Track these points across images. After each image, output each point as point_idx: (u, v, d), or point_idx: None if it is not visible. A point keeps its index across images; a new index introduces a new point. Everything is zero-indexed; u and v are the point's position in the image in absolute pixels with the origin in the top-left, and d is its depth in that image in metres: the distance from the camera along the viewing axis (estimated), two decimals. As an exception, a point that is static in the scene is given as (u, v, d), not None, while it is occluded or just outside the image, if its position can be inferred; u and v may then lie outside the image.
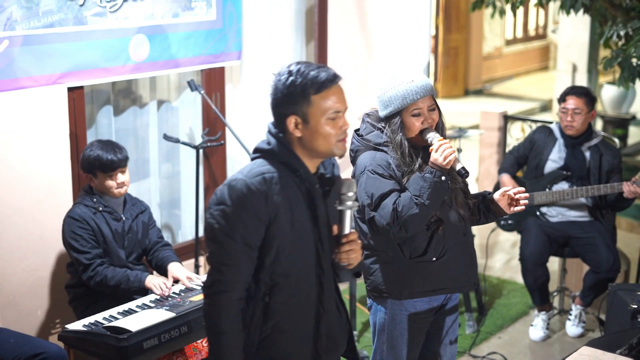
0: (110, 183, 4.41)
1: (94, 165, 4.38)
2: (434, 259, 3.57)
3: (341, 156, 2.89)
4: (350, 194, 2.84)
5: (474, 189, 8.09)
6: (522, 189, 3.63)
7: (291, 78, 2.78)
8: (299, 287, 2.86)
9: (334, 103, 2.80)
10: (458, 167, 3.44)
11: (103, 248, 4.43)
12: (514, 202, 3.62)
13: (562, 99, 5.56)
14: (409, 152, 3.50)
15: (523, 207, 3.60)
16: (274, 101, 2.84)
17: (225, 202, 2.76)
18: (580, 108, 5.45)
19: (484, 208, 3.70)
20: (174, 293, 4.35)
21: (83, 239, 4.35)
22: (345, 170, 6.66)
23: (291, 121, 2.81)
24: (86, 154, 4.41)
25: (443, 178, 3.39)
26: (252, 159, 2.90)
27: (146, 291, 4.39)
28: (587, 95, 5.50)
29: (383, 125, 3.58)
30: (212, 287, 2.79)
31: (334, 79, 2.81)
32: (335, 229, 2.90)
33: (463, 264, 3.65)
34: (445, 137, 3.55)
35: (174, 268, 4.51)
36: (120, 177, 4.43)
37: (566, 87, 5.77)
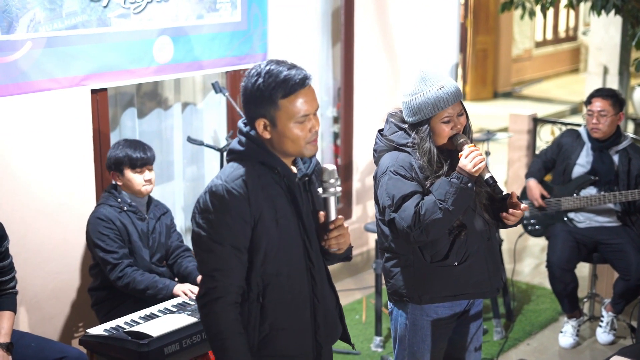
0: (138, 179, 4.42)
1: (122, 162, 4.39)
2: (456, 263, 3.49)
3: (312, 157, 2.91)
4: (332, 180, 2.85)
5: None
6: (524, 206, 3.51)
7: (259, 80, 2.75)
8: (291, 283, 2.88)
9: (302, 106, 2.77)
10: (486, 176, 3.35)
11: (128, 248, 4.41)
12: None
13: (588, 101, 5.47)
14: (437, 158, 3.43)
15: (513, 220, 3.49)
16: (243, 102, 2.83)
17: (208, 210, 2.77)
18: (607, 110, 5.34)
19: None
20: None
21: (109, 238, 4.33)
22: (370, 172, 6.62)
23: (260, 124, 2.81)
24: (113, 152, 4.43)
25: (469, 184, 3.32)
26: (228, 161, 2.91)
27: (170, 299, 4.34)
28: (614, 97, 5.39)
29: (409, 128, 3.50)
30: (207, 296, 2.80)
31: (303, 82, 2.76)
32: (321, 216, 2.91)
33: (486, 270, 3.56)
34: (472, 140, 3.47)
35: None
36: (148, 174, 4.46)
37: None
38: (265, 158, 2.83)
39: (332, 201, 2.87)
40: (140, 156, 4.40)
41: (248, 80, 2.78)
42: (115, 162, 4.42)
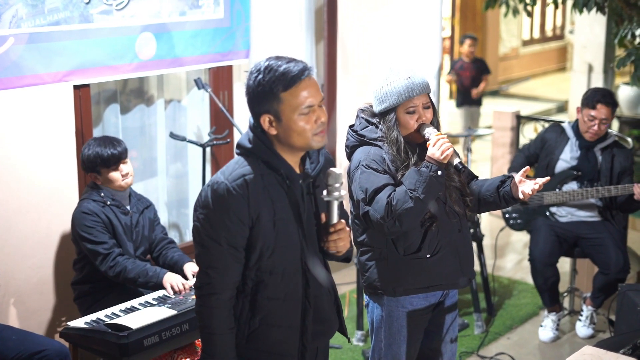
0: (115, 176, 4.44)
1: (95, 163, 4.41)
2: (428, 255, 3.54)
3: (320, 149, 2.92)
4: (337, 184, 2.84)
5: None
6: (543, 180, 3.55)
7: (259, 77, 2.78)
8: (284, 282, 2.91)
9: (305, 98, 2.78)
10: (455, 161, 3.41)
11: None
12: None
13: (591, 105, 5.33)
14: (404, 148, 3.48)
15: (529, 192, 3.51)
16: (247, 100, 2.86)
17: (208, 206, 2.81)
18: (608, 118, 5.33)
19: (504, 194, 3.60)
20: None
21: (97, 230, 4.36)
22: (342, 167, 6.65)
23: (265, 120, 2.82)
24: (85, 154, 4.44)
25: (439, 172, 3.36)
26: (237, 154, 2.93)
27: (159, 287, 4.38)
28: (615, 105, 5.36)
29: (378, 120, 3.56)
30: (202, 289, 2.86)
31: (302, 73, 2.78)
32: (323, 217, 2.92)
33: (458, 261, 3.62)
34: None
35: (191, 267, 4.53)
36: (124, 169, 4.46)
37: (589, 89, 5.50)
38: (270, 159, 2.84)
39: (335, 205, 2.87)
40: (110, 153, 4.39)
41: (249, 78, 2.81)
42: (89, 163, 4.43)
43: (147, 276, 4.34)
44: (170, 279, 4.37)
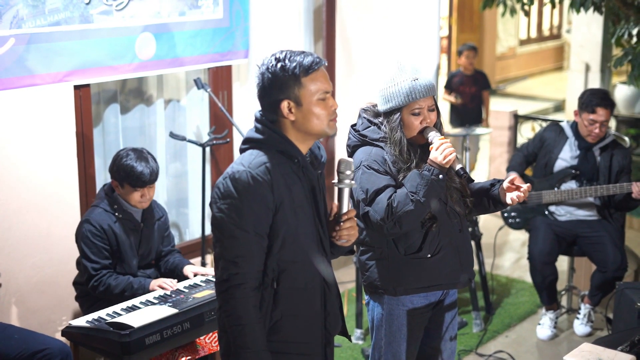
0: (136, 197, 4.38)
1: (124, 177, 4.33)
2: (429, 255, 3.56)
3: (333, 135, 2.96)
4: (348, 172, 2.94)
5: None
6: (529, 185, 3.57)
7: (280, 64, 2.86)
8: (305, 270, 2.95)
9: (322, 84, 2.89)
10: (457, 167, 3.43)
11: (116, 256, 4.41)
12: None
13: (590, 109, 5.37)
14: (407, 149, 3.50)
15: (517, 199, 3.54)
16: (264, 89, 2.91)
17: (232, 196, 2.82)
18: (608, 119, 5.38)
19: (492, 198, 3.63)
20: (178, 290, 4.35)
21: (96, 247, 4.32)
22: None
23: (284, 106, 2.88)
24: (119, 163, 4.34)
25: (440, 176, 3.39)
26: (243, 150, 2.96)
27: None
28: (613, 105, 5.41)
29: (380, 120, 3.58)
30: (229, 281, 2.84)
31: (319, 61, 2.90)
32: (335, 206, 2.99)
33: (459, 261, 3.64)
34: (443, 135, 3.54)
35: (191, 269, 4.56)
36: (148, 193, 4.41)
37: (584, 91, 5.50)
38: (286, 147, 2.90)
39: (346, 192, 2.96)
40: (142, 174, 4.30)
41: (265, 69, 2.87)
42: (117, 173, 4.34)
43: (133, 289, 4.33)
44: (156, 283, 4.37)
